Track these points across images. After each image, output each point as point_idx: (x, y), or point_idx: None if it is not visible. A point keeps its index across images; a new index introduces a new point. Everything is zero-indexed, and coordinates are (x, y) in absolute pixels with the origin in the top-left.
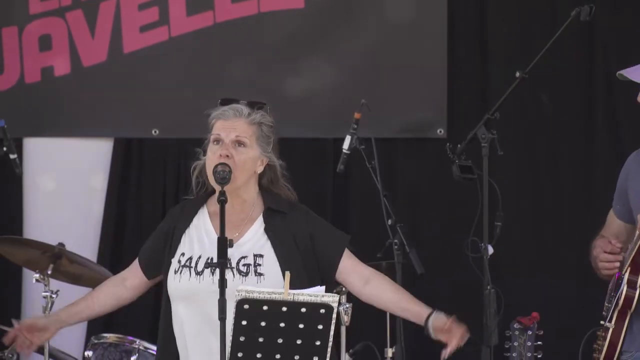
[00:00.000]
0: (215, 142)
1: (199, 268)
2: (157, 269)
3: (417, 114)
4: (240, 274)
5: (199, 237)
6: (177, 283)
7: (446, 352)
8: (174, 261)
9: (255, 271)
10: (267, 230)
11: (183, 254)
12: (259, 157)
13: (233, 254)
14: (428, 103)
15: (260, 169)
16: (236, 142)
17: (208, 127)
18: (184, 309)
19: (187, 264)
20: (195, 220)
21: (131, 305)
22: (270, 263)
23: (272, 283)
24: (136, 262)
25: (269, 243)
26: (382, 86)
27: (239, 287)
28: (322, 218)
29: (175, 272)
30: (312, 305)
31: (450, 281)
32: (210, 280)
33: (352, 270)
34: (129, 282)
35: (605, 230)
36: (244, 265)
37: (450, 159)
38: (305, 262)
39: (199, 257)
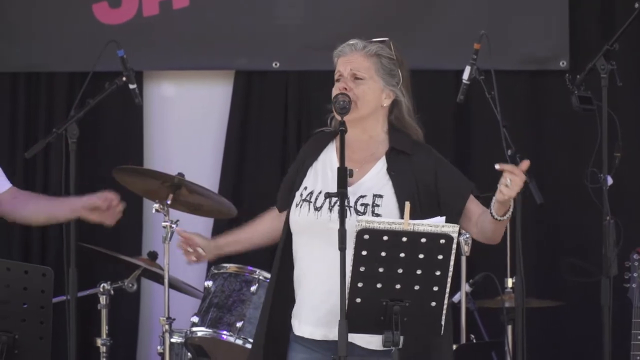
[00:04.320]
0: (337, 80)
1: (318, 203)
2: (288, 204)
3: (539, 45)
4: (357, 214)
5: (323, 171)
6: (297, 217)
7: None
8: (297, 194)
9: (373, 211)
10: (390, 170)
11: (306, 188)
12: (382, 90)
13: (354, 191)
14: (550, 34)
15: (386, 102)
16: (353, 76)
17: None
18: (303, 243)
19: (308, 198)
20: (322, 155)
21: None
22: (389, 204)
23: None
24: None
25: (390, 184)
26: (503, 17)
27: (359, 217)
28: (446, 159)
29: (297, 205)
30: (432, 235)
31: (569, 212)
32: (328, 217)
33: (475, 216)
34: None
35: None
36: (361, 205)
37: (570, 89)
38: (425, 206)
39: (320, 192)
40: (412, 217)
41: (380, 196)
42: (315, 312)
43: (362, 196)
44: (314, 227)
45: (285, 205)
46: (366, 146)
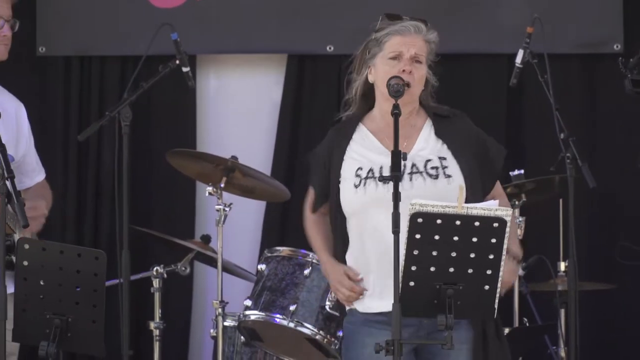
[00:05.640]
0: (393, 58)
1: (363, 181)
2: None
3: (592, 29)
4: (431, 177)
5: (362, 152)
6: (363, 195)
7: None
8: (352, 177)
9: (444, 173)
10: (438, 134)
11: (360, 168)
12: (427, 74)
13: (412, 157)
14: (604, 18)
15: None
16: (414, 59)
17: (377, 40)
18: (365, 220)
19: (369, 175)
20: (353, 139)
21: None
22: (453, 165)
23: (457, 185)
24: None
25: (445, 146)
26: (556, 1)
27: (413, 200)
28: (496, 131)
29: (356, 186)
30: (485, 219)
31: (622, 195)
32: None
33: (496, 194)
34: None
35: None
36: (432, 167)
37: (623, 73)
38: (479, 162)
39: (381, 166)
40: (471, 182)
41: (444, 158)
42: (385, 288)
43: (428, 160)
44: (384, 200)
45: (327, 193)
46: (406, 121)
